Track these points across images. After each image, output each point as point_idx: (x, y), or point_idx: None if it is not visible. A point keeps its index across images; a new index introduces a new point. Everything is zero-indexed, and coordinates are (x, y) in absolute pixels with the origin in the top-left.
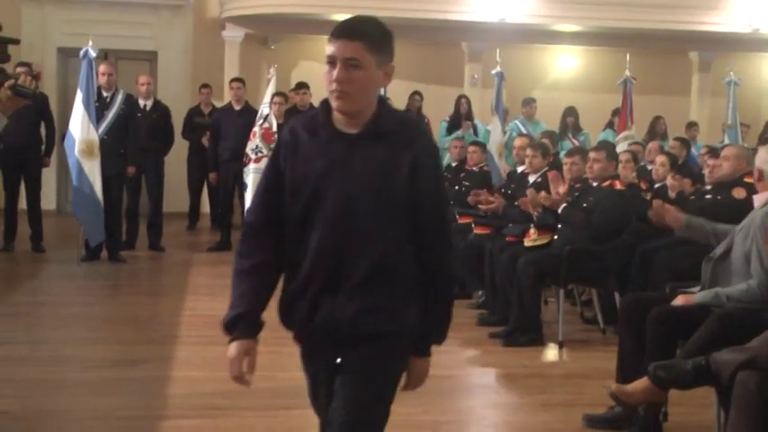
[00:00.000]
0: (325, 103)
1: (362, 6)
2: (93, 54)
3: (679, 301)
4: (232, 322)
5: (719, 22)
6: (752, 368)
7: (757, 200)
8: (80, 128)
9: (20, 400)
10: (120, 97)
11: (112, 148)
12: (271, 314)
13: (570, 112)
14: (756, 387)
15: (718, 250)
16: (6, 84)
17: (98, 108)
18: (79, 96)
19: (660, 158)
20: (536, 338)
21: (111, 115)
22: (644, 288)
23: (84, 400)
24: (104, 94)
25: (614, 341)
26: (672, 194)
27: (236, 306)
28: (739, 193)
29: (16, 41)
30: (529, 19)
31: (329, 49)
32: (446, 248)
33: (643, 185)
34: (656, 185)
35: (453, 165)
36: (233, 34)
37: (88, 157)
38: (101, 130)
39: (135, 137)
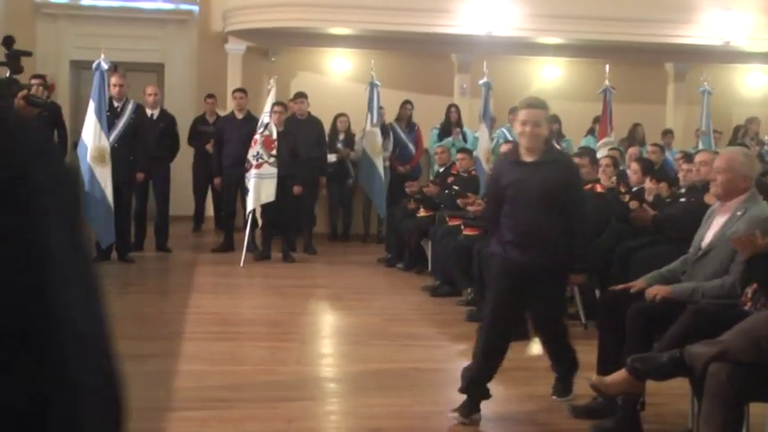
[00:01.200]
0: None
1: (357, 20)
2: (105, 66)
3: (654, 291)
4: None
5: (693, 35)
6: (723, 360)
7: (730, 206)
8: (92, 136)
9: None
10: (130, 107)
11: (123, 156)
12: (267, 311)
13: (553, 119)
14: (727, 378)
15: (699, 253)
16: (20, 94)
17: (109, 117)
18: (91, 106)
19: (634, 165)
20: (522, 333)
21: (121, 124)
22: None
23: None
24: (115, 104)
25: (595, 335)
26: (649, 197)
27: None
28: (711, 199)
29: (28, 54)
30: (514, 32)
31: None
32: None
33: (622, 189)
34: (634, 189)
35: (441, 170)
36: (235, 47)
37: (100, 164)
38: (112, 138)
39: (144, 145)
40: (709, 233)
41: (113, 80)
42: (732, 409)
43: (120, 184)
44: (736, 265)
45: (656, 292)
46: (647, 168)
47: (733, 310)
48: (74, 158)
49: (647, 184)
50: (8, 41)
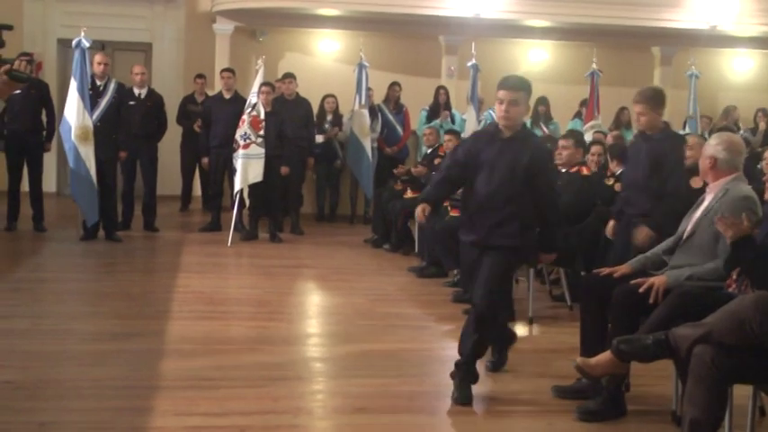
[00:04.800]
0: None
1: (345, 1)
2: (86, 44)
3: (649, 285)
4: None
5: (680, 19)
6: (707, 342)
7: (713, 189)
8: (75, 114)
9: (22, 370)
10: (112, 86)
11: (106, 134)
12: (254, 290)
13: (542, 101)
14: (711, 360)
15: (684, 237)
16: (2, 69)
17: (92, 96)
18: (73, 84)
19: (595, 148)
20: (508, 315)
21: (104, 103)
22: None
23: (83, 371)
24: (98, 82)
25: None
26: None
27: None
28: (696, 183)
29: (9, 27)
30: (502, 15)
31: None
32: None
33: (609, 172)
34: (618, 172)
35: (428, 152)
36: (223, 27)
37: (83, 142)
38: (94, 117)
39: (127, 124)
40: (694, 217)
41: (98, 58)
42: (716, 391)
43: (103, 163)
44: (723, 246)
45: (653, 285)
46: (614, 153)
47: (718, 292)
48: (61, 137)
49: None
50: None
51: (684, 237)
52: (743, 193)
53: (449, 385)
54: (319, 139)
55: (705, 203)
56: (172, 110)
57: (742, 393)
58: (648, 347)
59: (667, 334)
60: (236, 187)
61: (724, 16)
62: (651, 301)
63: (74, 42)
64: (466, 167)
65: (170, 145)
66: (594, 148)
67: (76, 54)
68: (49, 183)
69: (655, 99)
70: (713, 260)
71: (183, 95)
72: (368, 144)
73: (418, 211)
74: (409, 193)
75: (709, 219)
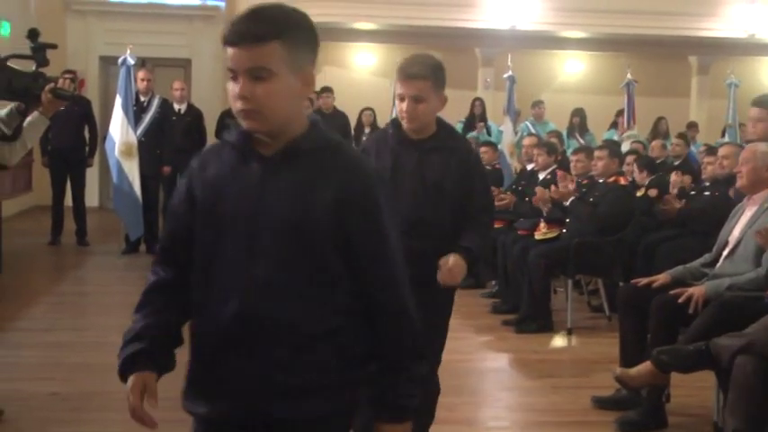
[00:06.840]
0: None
1: (381, 15)
2: (131, 61)
3: (689, 296)
4: None
5: (717, 28)
6: (749, 353)
7: (757, 200)
8: (119, 130)
9: (66, 382)
10: (156, 101)
11: (149, 149)
12: None
13: (577, 112)
14: (753, 370)
15: (729, 248)
16: (47, 87)
17: (136, 112)
18: (118, 101)
19: (629, 158)
20: (546, 325)
21: (148, 118)
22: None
23: None
24: (142, 98)
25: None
26: (673, 190)
27: None
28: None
29: (53, 46)
30: (538, 26)
31: None
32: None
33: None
34: (647, 182)
35: None
36: None
37: (127, 158)
38: (138, 132)
39: (170, 138)
40: (737, 228)
41: (141, 75)
42: (758, 402)
43: (147, 178)
44: (767, 255)
45: (692, 295)
46: (642, 165)
47: (759, 302)
48: (103, 152)
49: (673, 177)
50: (33, 34)
51: (730, 247)
52: None
53: (487, 395)
54: None
55: (749, 214)
56: (211, 124)
57: None
58: (689, 358)
59: (708, 344)
60: None
61: (762, 25)
62: (691, 311)
63: (119, 60)
64: None
65: None
66: (629, 158)
67: (122, 71)
68: (92, 197)
69: (441, 74)
70: (755, 269)
71: (221, 110)
72: None
73: None
74: None
75: (755, 229)
